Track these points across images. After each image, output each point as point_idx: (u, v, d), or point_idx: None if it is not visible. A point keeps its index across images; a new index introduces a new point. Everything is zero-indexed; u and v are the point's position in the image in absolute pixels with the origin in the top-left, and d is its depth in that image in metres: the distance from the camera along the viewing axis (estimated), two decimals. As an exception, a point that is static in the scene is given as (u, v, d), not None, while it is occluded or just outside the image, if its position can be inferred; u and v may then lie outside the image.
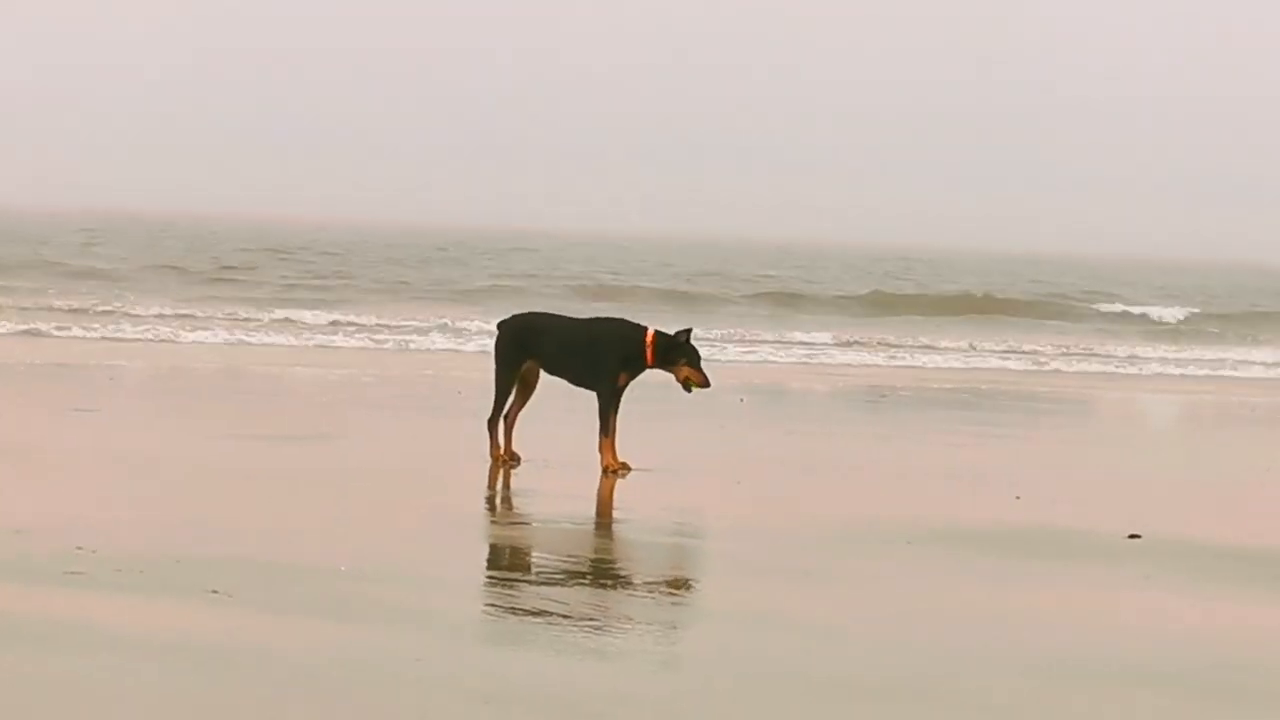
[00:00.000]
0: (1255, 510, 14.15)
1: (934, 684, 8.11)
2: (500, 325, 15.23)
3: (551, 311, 16.77)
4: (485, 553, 11.56)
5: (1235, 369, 35.30)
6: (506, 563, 11.21)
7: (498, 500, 13.77)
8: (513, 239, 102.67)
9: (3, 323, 30.23)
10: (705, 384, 14.28)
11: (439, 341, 31.81)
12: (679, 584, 10.56)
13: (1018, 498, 13.82)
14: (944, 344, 36.62)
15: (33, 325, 30.13)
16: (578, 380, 14.71)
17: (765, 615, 9.42)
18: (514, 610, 9.37)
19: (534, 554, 11.42)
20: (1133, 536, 12.14)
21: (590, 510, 13.27)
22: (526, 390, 14.75)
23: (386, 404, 22.22)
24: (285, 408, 20.92)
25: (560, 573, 10.66)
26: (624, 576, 10.75)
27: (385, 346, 30.94)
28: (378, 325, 34.53)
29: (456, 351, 29.57)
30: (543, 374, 14.66)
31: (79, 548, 10.13)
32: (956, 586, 10.50)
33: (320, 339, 31.53)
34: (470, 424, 14.66)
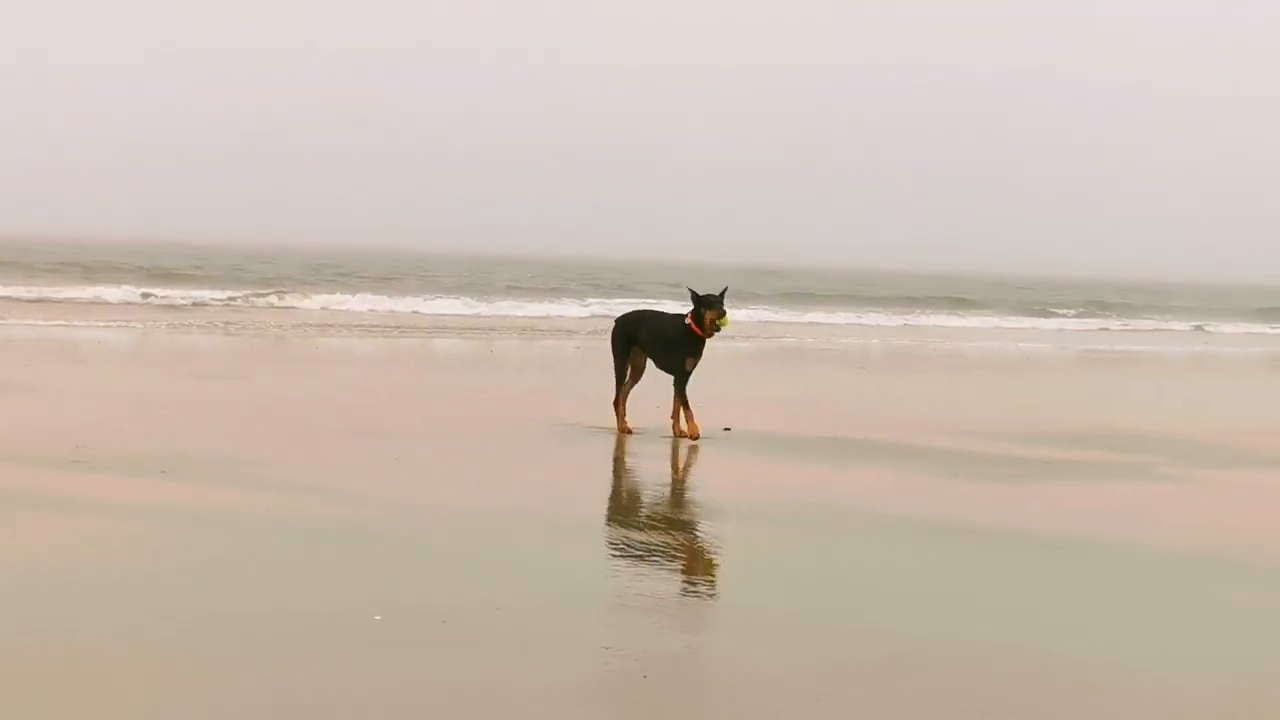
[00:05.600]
0: (806, 416, 14.33)
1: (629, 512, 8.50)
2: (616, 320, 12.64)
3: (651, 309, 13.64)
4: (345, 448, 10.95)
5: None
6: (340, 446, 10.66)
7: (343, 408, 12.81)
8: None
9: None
10: (721, 318, 11.77)
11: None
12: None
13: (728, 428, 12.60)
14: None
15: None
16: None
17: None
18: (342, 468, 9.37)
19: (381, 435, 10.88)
20: (726, 429, 12.47)
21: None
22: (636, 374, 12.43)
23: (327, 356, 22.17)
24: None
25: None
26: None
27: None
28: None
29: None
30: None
31: (78, 446, 10.29)
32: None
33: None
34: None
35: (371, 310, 36.78)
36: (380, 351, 23.51)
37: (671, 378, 12.08)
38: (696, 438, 11.79)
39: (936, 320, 46.43)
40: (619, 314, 12.90)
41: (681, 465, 10.95)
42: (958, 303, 59.26)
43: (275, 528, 7.79)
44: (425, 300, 40.82)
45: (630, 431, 12.12)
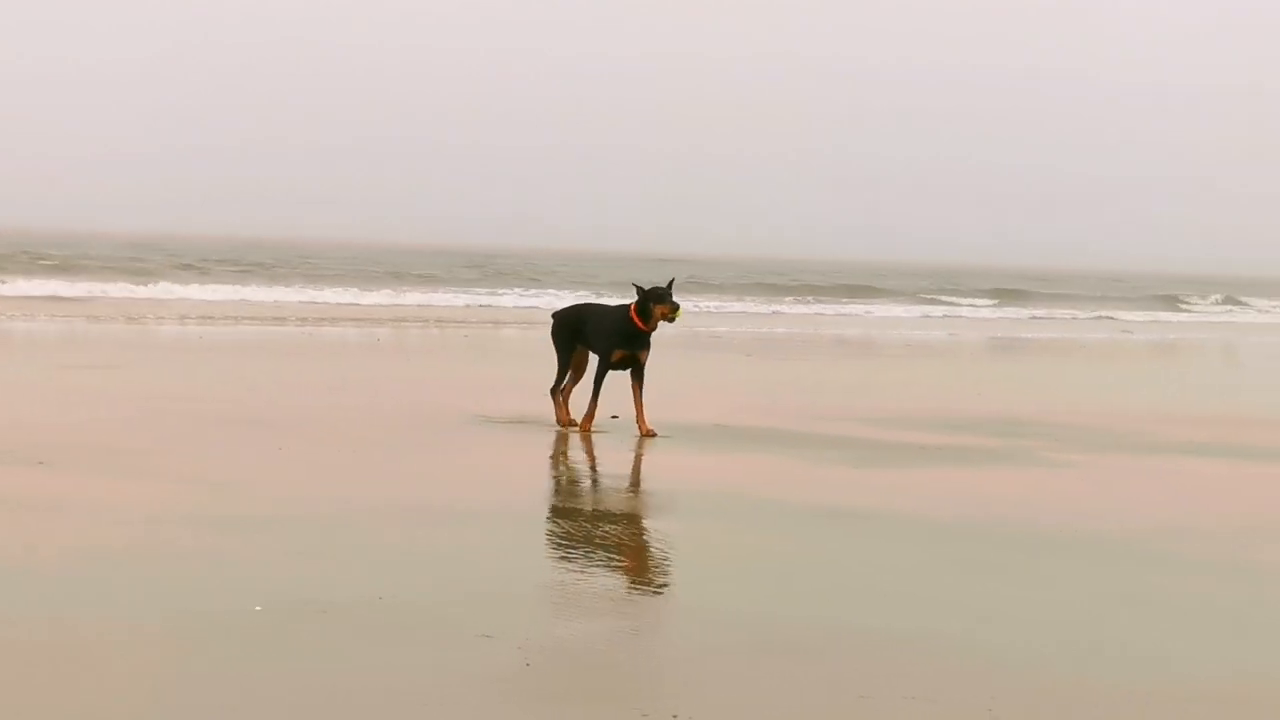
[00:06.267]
0: (693, 404, 14.28)
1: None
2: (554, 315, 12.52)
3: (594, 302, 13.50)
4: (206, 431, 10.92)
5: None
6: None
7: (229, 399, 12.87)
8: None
9: None
10: (674, 312, 11.56)
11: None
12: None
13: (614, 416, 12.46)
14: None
15: None
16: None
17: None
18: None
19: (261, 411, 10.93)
20: (613, 417, 12.34)
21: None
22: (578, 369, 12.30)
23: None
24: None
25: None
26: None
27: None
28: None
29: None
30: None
31: (-49, 437, 10.13)
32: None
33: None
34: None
35: (259, 300, 36.48)
36: (266, 341, 23.37)
37: (628, 374, 11.93)
38: (586, 431, 11.86)
39: (838, 308, 46.82)
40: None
41: (570, 455, 10.95)
42: (863, 290, 59.74)
43: (154, 519, 7.73)
44: (314, 290, 40.56)
45: (572, 424, 12.08)
